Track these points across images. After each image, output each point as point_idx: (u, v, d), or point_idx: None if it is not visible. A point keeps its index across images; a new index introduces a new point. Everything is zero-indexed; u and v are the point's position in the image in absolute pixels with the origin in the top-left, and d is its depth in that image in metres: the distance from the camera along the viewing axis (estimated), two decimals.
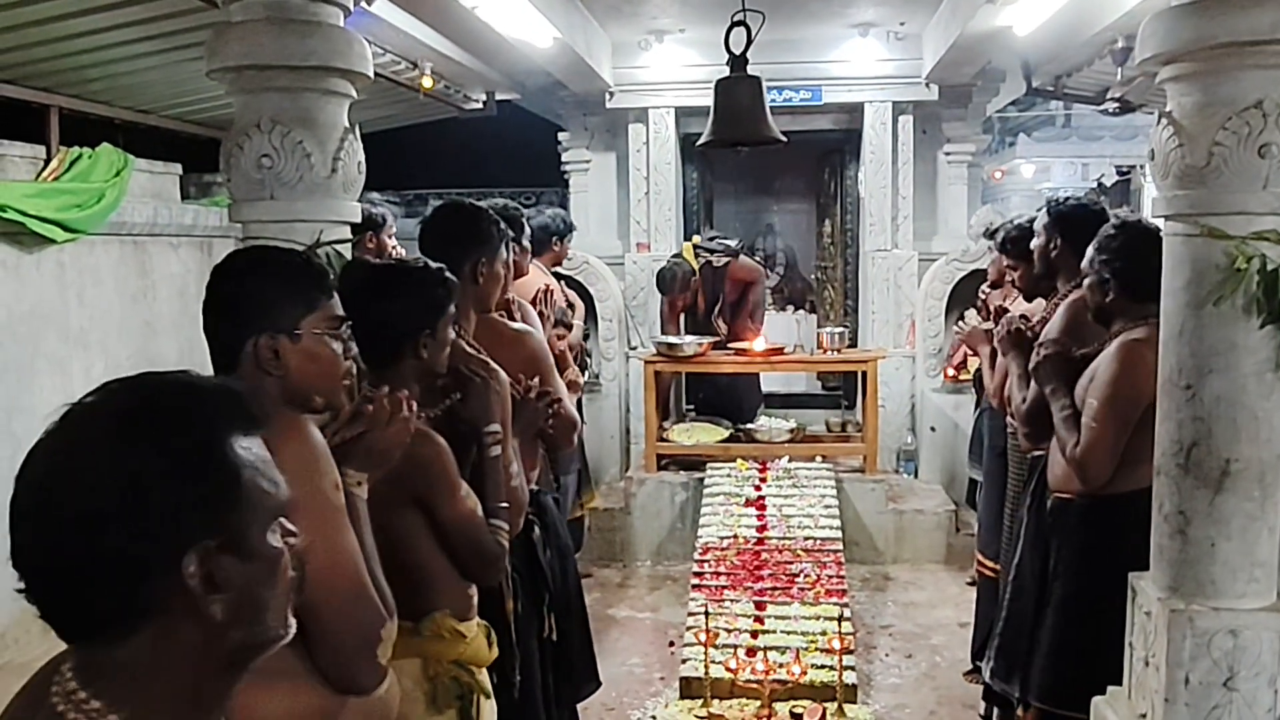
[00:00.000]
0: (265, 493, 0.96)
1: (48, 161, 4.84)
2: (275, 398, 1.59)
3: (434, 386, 2.15)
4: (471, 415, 2.16)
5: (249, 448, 0.96)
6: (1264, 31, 2.20)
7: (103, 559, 0.88)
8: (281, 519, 1.00)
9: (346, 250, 2.52)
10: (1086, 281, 2.88)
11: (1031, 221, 3.55)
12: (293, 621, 1.03)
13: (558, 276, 5.28)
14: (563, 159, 7.22)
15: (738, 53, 3.68)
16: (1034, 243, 3.38)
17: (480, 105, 7.01)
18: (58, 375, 4.81)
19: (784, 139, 3.91)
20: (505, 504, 2.19)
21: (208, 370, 1.63)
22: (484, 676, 2.19)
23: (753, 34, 3.63)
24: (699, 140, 4.04)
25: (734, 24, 3.65)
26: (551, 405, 2.55)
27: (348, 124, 2.55)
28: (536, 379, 2.51)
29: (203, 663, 0.95)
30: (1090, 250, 2.86)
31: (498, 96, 7.13)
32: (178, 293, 5.72)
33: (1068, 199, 3.39)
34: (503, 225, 2.55)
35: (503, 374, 2.25)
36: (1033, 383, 3.07)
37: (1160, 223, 2.60)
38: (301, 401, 1.63)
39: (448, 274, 2.09)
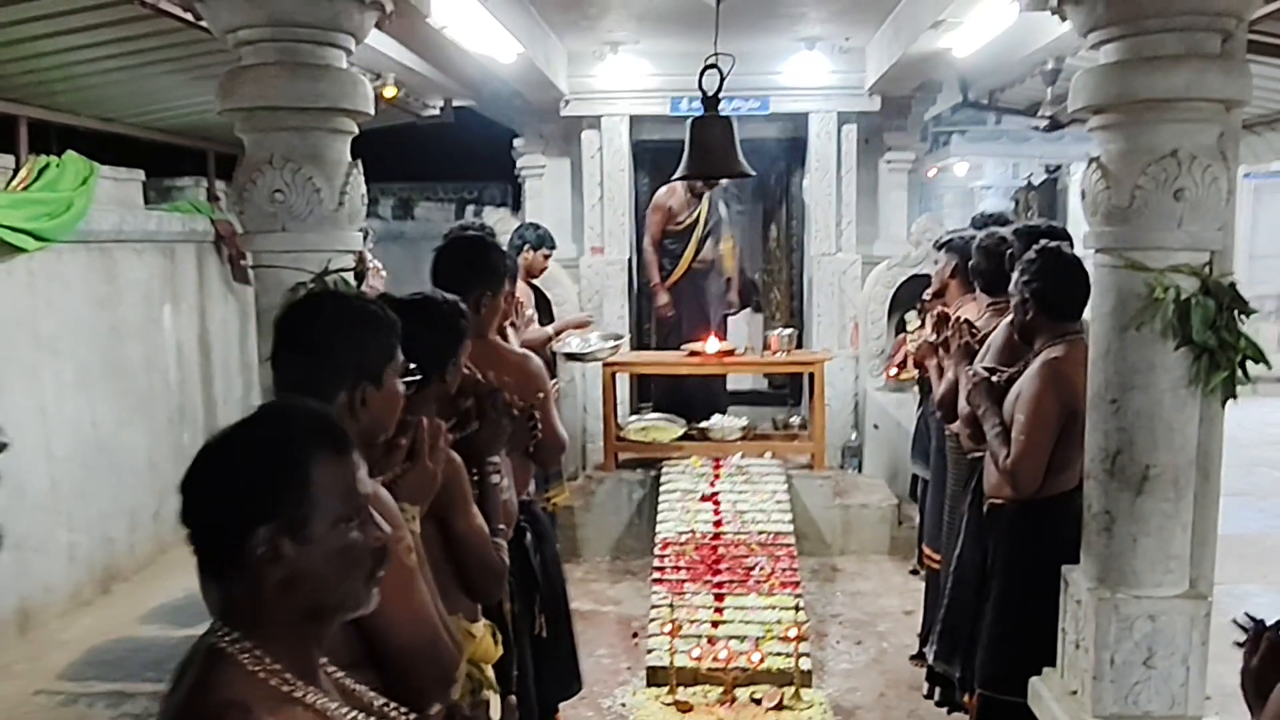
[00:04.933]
0: (334, 501, 1.27)
1: (17, 171, 4.89)
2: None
3: (447, 410, 2.35)
4: (481, 445, 2.36)
5: (333, 465, 1.28)
6: (1179, 90, 2.50)
7: (204, 519, 1.26)
8: (372, 516, 1.31)
9: (352, 278, 2.71)
10: (1012, 302, 3.19)
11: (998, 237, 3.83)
12: (371, 600, 1.33)
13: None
14: (517, 164, 7.39)
15: (710, 94, 3.90)
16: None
17: (438, 112, 7.15)
18: (30, 380, 4.87)
19: (753, 173, 4.17)
20: (503, 525, 2.40)
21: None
22: (490, 672, 2.41)
23: (725, 74, 3.86)
24: (675, 173, 4.29)
25: (707, 67, 3.87)
26: (536, 427, 2.74)
27: (350, 159, 2.73)
28: (540, 395, 2.72)
29: (286, 610, 1.27)
30: (1015, 274, 3.17)
31: (454, 103, 7.26)
32: (143, 297, 5.79)
33: (1034, 228, 3.67)
34: (510, 262, 2.75)
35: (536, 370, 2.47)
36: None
37: (1078, 248, 2.91)
38: (370, 440, 1.81)
39: (464, 306, 2.30)
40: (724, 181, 6.95)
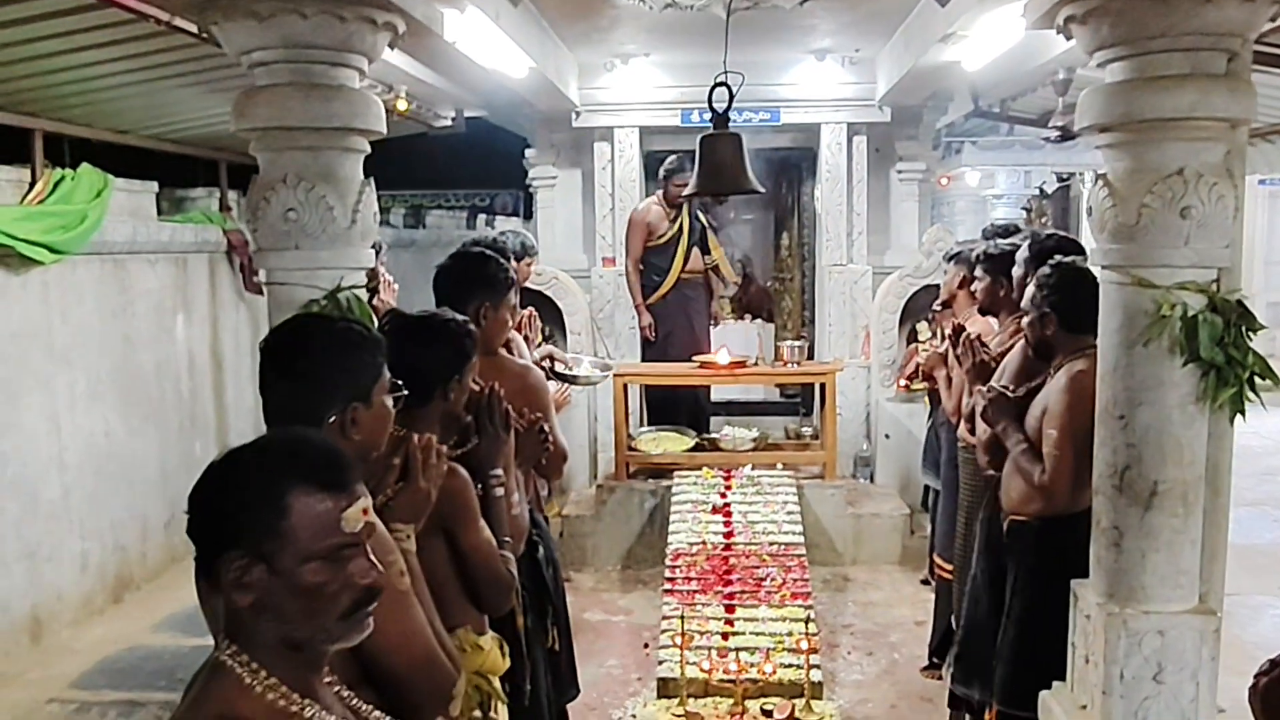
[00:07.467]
0: (308, 538, 1.28)
1: (33, 184, 4.94)
2: None
3: (452, 427, 2.37)
4: (481, 459, 2.38)
5: (314, 502, 1.29)
6: (1184, 110, 2.51)
7: (191, 534, 1.31)
8: (366, 553, 1.32)
9: (364, 295, 2.73)
10: (1027, 319, 3.17)
11: (1012, 246, 3.80)
12: (354, 636, 1.34)
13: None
14: (529, 174, 7.42)
15: (720, 111, 3.93)
16: (1015, 271, 3.64)
17: (450, 123, 7.19)
18: (43, 392, 4.93)
19: (762, 190, 4.18)
20: (509, 538, 2.42)
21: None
22: (498, 684, 2.43)
23: (734, 93, 3.88)
24: (685, 191, 4.32)
25: (716, 84, 3.89)
26: (547, 439, 2.77)
27: (363, 177, 2.76)
28: (539, 413, 2.74)
29: (266, 633, 1.28)
30: (1031, 289, 3.16)
31: (466, 114, 7.30)
32: (154, 308, 5.84)
33: (1050, 235, 3.64)
34: (512, 273, 2.77)
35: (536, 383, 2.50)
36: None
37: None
38: (364, 455, 1.83)
39: (472, 326, 2.32)
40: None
